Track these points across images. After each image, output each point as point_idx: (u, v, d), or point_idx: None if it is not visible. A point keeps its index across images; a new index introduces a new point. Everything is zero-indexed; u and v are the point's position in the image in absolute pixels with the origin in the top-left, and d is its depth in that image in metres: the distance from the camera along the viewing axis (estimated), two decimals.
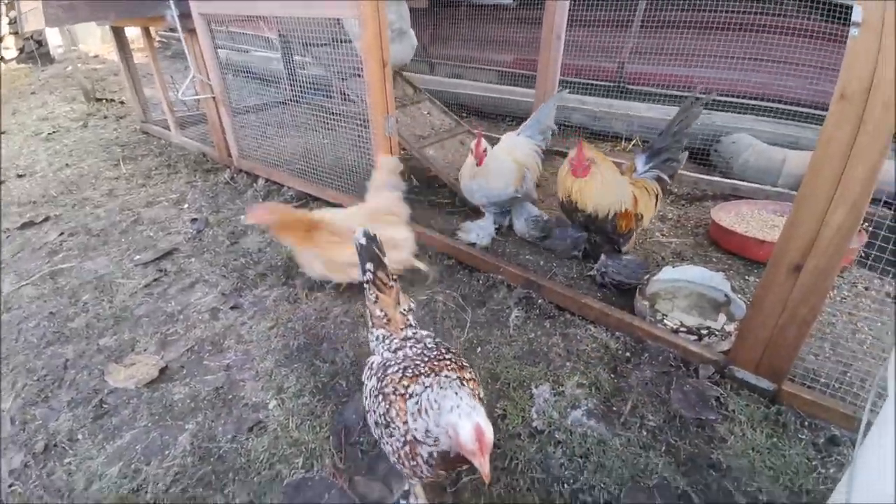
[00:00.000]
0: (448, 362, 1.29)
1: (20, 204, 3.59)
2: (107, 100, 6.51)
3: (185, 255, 2.85)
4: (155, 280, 2.63)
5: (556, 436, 1.66)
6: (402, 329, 1.45)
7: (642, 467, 1.53)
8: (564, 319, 2.23)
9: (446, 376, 1.22)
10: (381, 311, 1.47)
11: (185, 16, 3.48)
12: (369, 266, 1.47)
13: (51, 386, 1.99)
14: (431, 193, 3.63)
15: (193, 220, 3.18)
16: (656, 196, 2.54)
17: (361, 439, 1.67)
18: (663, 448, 1.60)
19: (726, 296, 2.23)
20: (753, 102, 4.02)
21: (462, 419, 1.03)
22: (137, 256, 2.83)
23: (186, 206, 3.44)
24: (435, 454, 1.13)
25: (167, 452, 1.66)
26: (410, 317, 1.50)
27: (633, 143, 4.39)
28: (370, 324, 1.52)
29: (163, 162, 4.24)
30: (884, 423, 1.01)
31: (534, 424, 1.71)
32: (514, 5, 5.14)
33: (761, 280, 1.68)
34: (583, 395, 1.82)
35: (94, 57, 9.97)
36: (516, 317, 2.25)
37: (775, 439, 1.61)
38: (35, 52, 9.84)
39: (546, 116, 3.06)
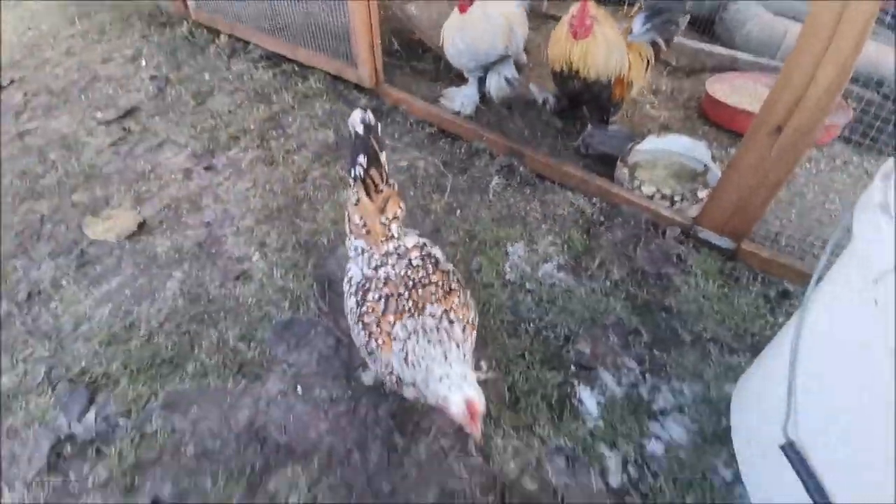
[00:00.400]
0: (434, 288, 1.17)
1: None
2: None
3: (149, 113, 2.68)
4: (120, 139, 2.51)
5: (527, 286, 1.78)
6: (382, 242, 1.27)
7: (602, 310, 1.67)
8: (545, 187, 2.24)
9: (430, 314, 1.12)
10: (361, 218, 1.28)
11: None
12: (361, 160, 1.24)
13: (29, 240, 1.99)
14: (414, 59, 3.36)
15: (153, 78, 2.94)
16: (648, 63, 2.40)
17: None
18: (623, 295, 1.74)
19: (705, 166, 2.25)
20: None
21: (452, 393, 0.99)
22: (99, 114, 2.66)
23: (143, 62, 3.14)
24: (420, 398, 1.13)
25: (157, 296, 1.74)
26: (394, 226, 1.30)
27: (637, 6, 4.02)
28: (347, 230, 1.35)
29: (116, 16, 3.79)
30: (842, 265, 1.08)
31: (507, 277, 1.82)
32: None
33: (741, 143, 1.69)
34: (555, 253, 1.91)
35: None
36: (497, 184, 2.26)
37: (727, 290, 1.75)
38: None
39: None
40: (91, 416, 1.43)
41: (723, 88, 2.88)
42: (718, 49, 3.32)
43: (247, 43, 3.29)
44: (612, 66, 2.21)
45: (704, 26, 3.74)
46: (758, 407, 1.26)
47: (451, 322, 1.12)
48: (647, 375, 1.48)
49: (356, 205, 1.29)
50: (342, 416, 1.41)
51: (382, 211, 1.29)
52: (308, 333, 1.61)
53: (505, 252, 1.92)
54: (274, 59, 3.16)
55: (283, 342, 1.58)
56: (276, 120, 2.66)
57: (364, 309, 1.18)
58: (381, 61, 2.81)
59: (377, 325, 1.15)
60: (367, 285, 1.21)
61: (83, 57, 3.25)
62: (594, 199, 2.15)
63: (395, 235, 1.30)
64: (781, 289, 1.78)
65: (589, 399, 1.42)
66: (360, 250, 1.29)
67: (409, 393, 1.16)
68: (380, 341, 1.14)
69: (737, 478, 1.25)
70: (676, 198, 2.04)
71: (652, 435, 1.34)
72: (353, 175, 1.28)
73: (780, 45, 3.18)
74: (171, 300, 1.72)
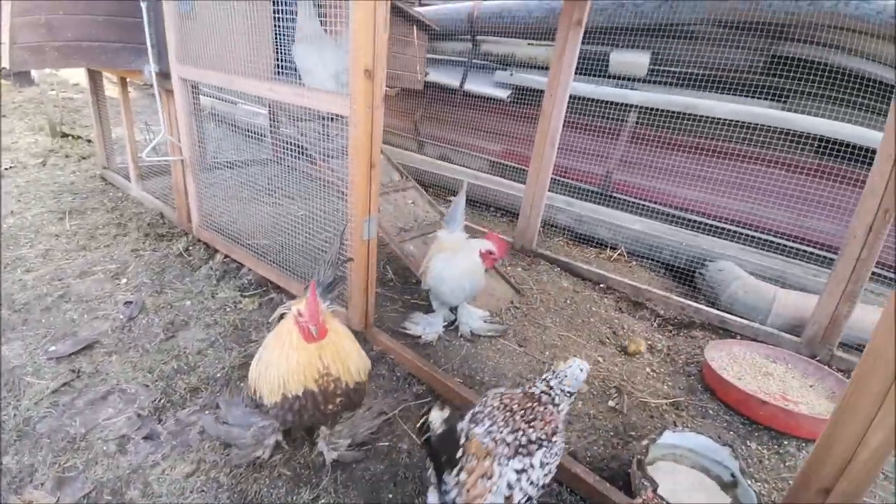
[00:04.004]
0: None
1: None
2: (74, 136, 6.11)
3: (107, 350, 2.39)
4: (65, 384, 2.15)
5: None
6: None
7: None
8: (558, 492, 1.88)
9: None
10: None
11: (164, 75, 3.25)
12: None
13: None
14: (407, 291, 3.33)
15: (127, 304, 2.74)
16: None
17: None
18: None
19: (733, 476, 1.95)
20: (738, 230, 4.02)
21: None
22: (52, 347, 2.36)
23: (125, 280, 3.00)
24: None
25: None
26: None
27: (618, 252, 4.29)
28: None
29: (113, 220, 3.82)
30: None
31: None
32: (508, 100, 5.20)
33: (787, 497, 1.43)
34: None
35: (73, 85, 9.58)
36: None
37: None
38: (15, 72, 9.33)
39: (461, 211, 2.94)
40: None
41: (720, 356, 2.80)
42: (705, 308, 3.37)
43: (240, 266, 3.24)
44: None
45: (683, 278, 3.92)
46: None
47: None
48: None
49: None
50: None
51: None
52: None
53: None
54: (264, 287, 3.06)
55: None
56: (248, 367, 2.38)
57: None
58: (373, 306, 2.71)
59: None
60: None
61: (61, 265, 3.10)
62: None
63: None
64: None
65: None
66: None
67: None
68: None
69: None
70: None
71: None
72: None
73: (768, 311, 3.24)
74: None
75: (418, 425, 1.29)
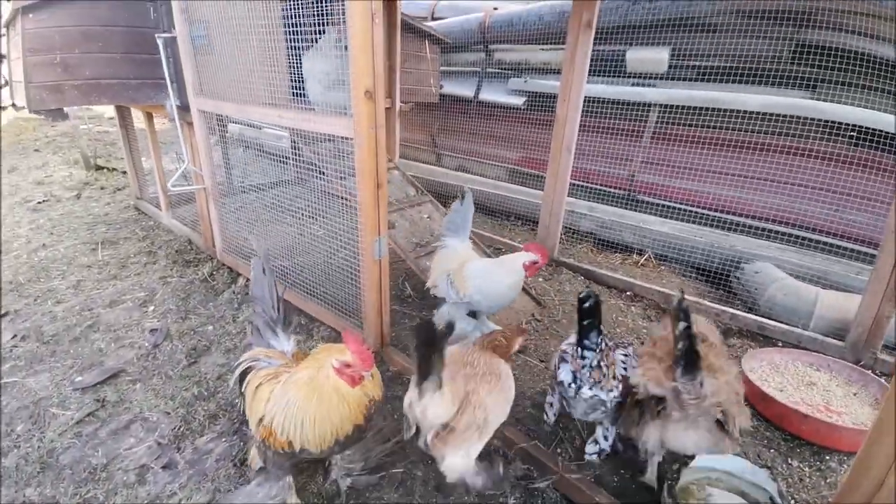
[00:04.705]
0: None
1: None
2: (109, 169, 6.42)
3: (132, 378, 2.46)
4: (90, 414, 2.22)
5: None
6: None
7: None
8: None
9: None
10: None
11: (185, 108, 3.37)
12: None
13: None
14: (426, 307, 3.29)
15: (153, 331, 2.82)
16: None
17: None
18: None
19: (771, 499, 1.79)
20: (774, 227, 3.78)
21: None
22: (79, 378, 2.44)
23: (152, 308, 3.10)
24: None
25: None
26: None
27: (645, 256, 4.12)
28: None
29: (144, 248, 3.97)
30: None
31: None
32: (524, 107, 5.13)
33: None
34: None
35: (108, 118, 10.07)
36: None
37: None
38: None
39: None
40: None
41: (760, 366, 2.62)
42: (742, 314, 3.17)
43: None
44: None
45: (718, 281, 3.71)
46: None
47: None
48: None
49: None
50: None
51: None
52: None
53: None
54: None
55: None
56: None
57: None
58: (388, 325, 2.69)
59: None
60: None
61: (91, 295, 3.23)
62: None
63: None
64: None
65: None
66: None
67: None
68: None
69: None
70: None
71: None
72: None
73: (811, 314, 3.02)
74: None
75: (579, 297, 1.83)
